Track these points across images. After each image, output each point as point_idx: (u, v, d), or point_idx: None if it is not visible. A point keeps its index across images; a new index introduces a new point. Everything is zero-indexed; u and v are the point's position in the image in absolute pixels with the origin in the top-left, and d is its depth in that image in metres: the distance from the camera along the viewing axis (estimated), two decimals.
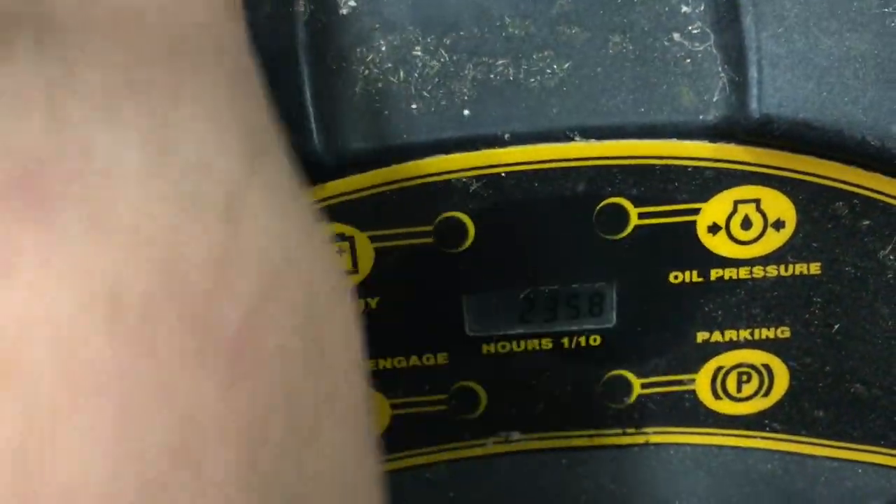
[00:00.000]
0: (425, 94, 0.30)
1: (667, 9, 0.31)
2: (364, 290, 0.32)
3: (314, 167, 0.29)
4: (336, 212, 0.30)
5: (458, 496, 0.35)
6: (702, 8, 0.31)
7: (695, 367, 0.34)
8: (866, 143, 0.29)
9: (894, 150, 0.29)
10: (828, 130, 0.29)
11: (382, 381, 0.33)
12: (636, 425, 0.35)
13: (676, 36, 0.31)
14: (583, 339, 0.33)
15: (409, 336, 0.33)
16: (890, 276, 0.32)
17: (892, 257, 0.32)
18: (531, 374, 0.34)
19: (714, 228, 0.31)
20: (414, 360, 0.33)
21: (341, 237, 0.31)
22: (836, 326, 0.33)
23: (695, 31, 0.31)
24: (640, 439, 0.35)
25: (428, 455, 0.35)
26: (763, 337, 0.33)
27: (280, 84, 0.29)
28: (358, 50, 0.31)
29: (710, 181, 0.30)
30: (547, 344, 0.33)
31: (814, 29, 0.29)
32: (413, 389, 0.34)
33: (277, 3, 0.30)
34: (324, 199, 0.30)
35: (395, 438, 0.34)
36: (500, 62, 0.31)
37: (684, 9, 0.31)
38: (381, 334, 0.33)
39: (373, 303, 0.32)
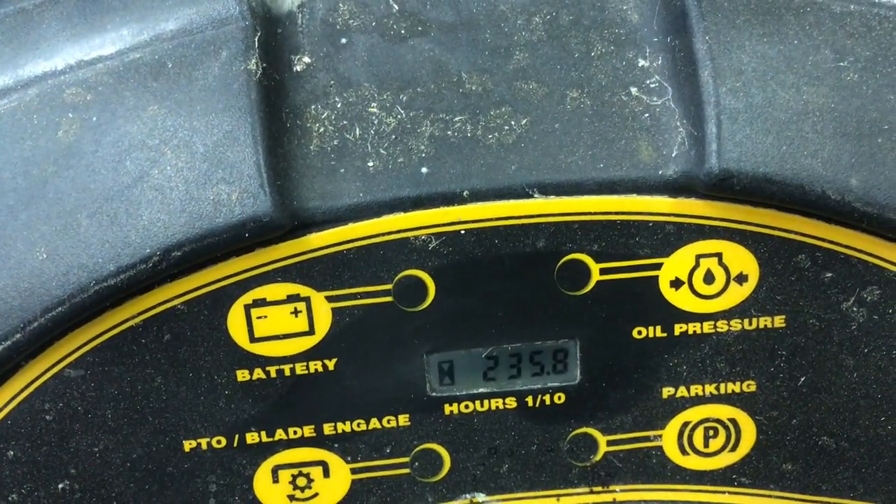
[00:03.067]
0: (382, 151, 0.30)
1: (624, 63, 0.31)
2: (321, 351, 0.31)
3: (267, 227, 0.28)
4: (291, 272, 0.30)
5: None
6: (659, 62, 0.31)
7: (661, 423, 0.33)
8: (826, 196, 0.29)
9: (854, 202, 0.29)
10: (788, 184, 0.29)
11: (341, 445, 0.32)
12: (603, 483, 0.34)
13: (634, 90, 0.31)
14: (547, 397, 0.32)
15: (369, 398, 0.32)
16: (854, 327, 0.32)
17: (855, 309, 0.31)
18: (495, 433, 0.33)
19: (677, 283, 0.31)
20: (374, 422, 0.32)
21: (296, 298, 0.30)
22: (802, 379, 0.32)
23: (653, 86, 0.31)
24: (607, 497, 0.34)
25: None
26: (729, 391, 0.33)
27: (233, 143, 0.29)
28: (313, 107, 0.30)
29: (672, 236, 0.30)
30: (511, 402, 0.32)
31: (771, 83, 0.29)
32: (374, 453, 0.33)
33: (229, 60, 0.29)
34: (278, 260, 0.29)
35: None
36: (458, 119, 0.30)
37: (642, 63, 0.31)
38: (338, 396, 0.32)
39: (330, 364, 0.31)
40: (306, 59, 0.31)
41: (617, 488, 0.34)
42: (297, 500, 0.33)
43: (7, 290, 0.29)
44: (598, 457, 0.33)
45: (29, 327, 0.29)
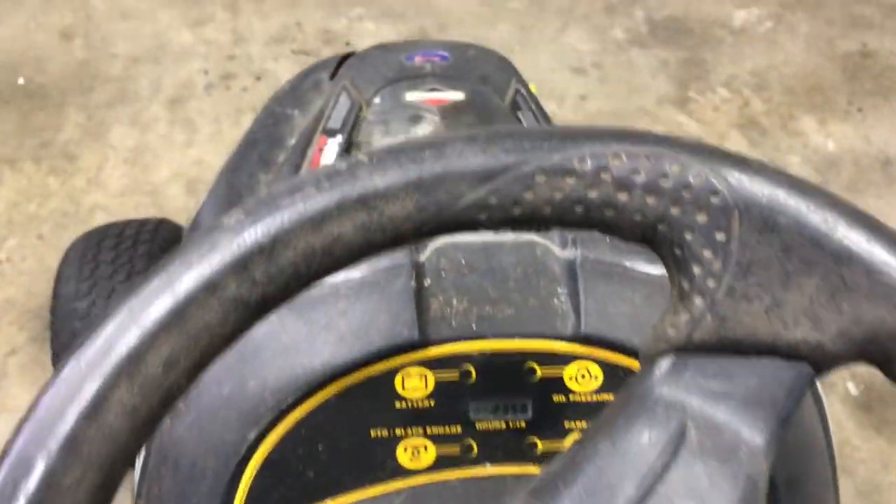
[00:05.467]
0: (458, 319, 0.77)
1: (553, 288, 0.78)
2: (426, 398, 0.76)
3: (416, 343, 0.75)
4: (422, 362, 0.76)
5: None
6: (566, 289, 0.78)
7: (565, 432, 0.78)
8: (629, 348, 0.76)
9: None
10: (614, 342, 0.76)
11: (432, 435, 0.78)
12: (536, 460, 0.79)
13: (555, 301, 0.78)
14: (518, 424, 0.78)
15: (440, 416, 0.77)
16: None
17: None
18: (497, 442, 0.78)
19: (571, 378, 0.77)
20: (439, 429, 0.78)
21: (422, 374, 0.76)
22: None
23: (563, 298, 0.78)
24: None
25: None
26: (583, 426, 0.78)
27: (404, 310, 0.76)
28: (431, 299, 0.78)
29: (568, 357, 0.77)
30: (502, 424, 0.78)
31: (608, 301, 0.77)
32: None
33: (403, 281, 0.77)
34: (418, 357, 0.76)
35: None
36: (487, 307, 0.78)
37: (559, 290, 0.78)
38: (432, 414, 0.77)
39: (432, 402, 0.77)
40: (428, 280, 0.78)
41: None
42: (414, 461, 0.77)
43: (281, 380, 0.75)
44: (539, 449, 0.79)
45: (302, 391, 0.75)
